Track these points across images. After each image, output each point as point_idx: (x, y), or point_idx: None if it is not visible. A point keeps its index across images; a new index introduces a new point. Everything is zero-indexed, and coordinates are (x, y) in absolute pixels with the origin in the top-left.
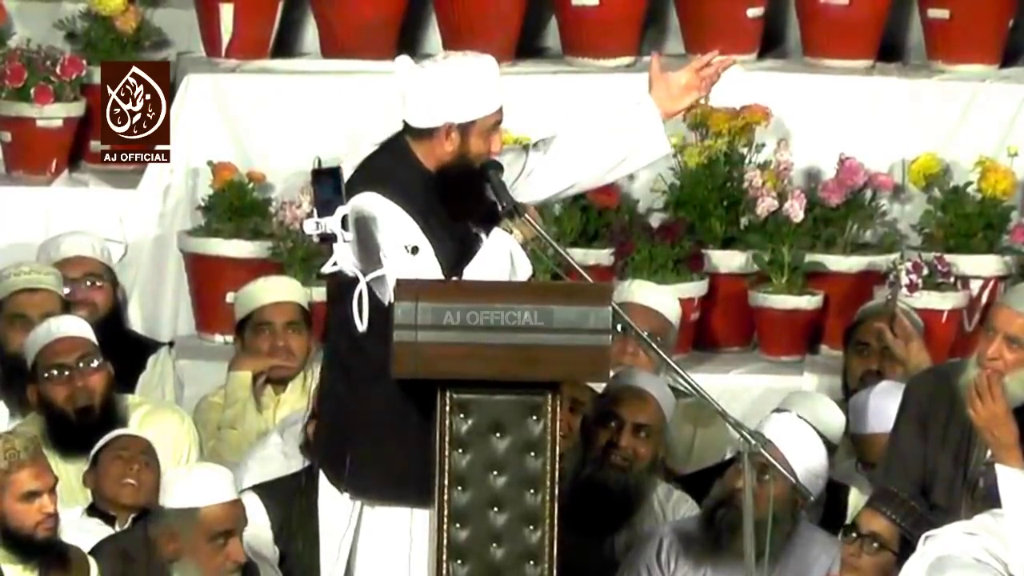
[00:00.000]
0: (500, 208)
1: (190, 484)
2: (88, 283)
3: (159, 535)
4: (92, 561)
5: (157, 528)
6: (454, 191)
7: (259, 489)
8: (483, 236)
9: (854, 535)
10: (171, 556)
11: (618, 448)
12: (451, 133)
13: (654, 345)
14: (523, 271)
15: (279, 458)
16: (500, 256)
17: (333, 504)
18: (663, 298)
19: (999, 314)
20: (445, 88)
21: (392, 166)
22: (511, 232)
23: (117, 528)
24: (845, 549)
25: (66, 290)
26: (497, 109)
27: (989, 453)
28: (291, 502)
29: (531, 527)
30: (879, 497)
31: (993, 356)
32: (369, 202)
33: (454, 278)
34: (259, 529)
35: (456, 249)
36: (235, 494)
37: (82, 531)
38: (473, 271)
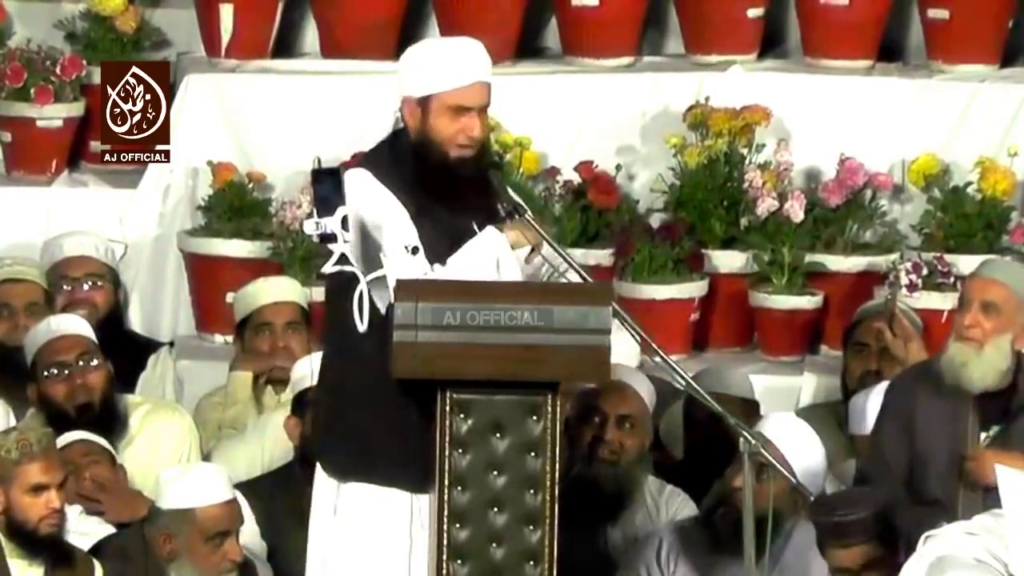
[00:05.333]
0: (500, 207)
1: (186, 485)
2: (89, 283)
3: (156, 536)
4: (96, 563)
5: (154, 528)
6: (442, 183)
7: (241, 487)
8: (477, 230)
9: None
10: (168, 556)
11: (604, 442)
12: (413, 108)
13: (654, 345)
14: (508, 276)
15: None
16: (485, 256)
17: (320, 487)
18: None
19: (972, 284)
20: (409, 63)
21: (388, 144)
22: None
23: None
24: None
25: (67, 289)
26: (460, 88)
27: (984, 439)
28: (274, 497)
29: (531, 527)
30: (836, 534)
31: (971, 324)
32: (354, 178)
33: (436, 265)
34: (245, 525)
35: (445, 236)
36: (231, 493)
37: (80, 531)
38: (453, 266)
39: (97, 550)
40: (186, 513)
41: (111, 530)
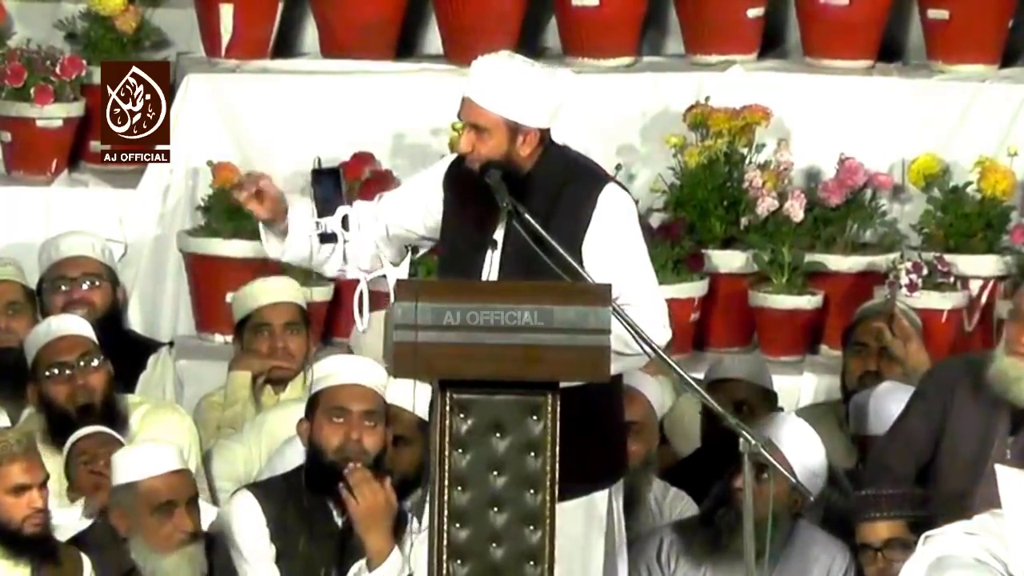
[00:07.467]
0: (500, 207)
1: (130, 459)
2: (87, 283)
3: (115, 515)
4: (84, 559)
5: (112, 509)
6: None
7: (253, 488)
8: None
9: (871, 552)
10: (125, 534)
11: None
12: None
13: (653, 345)
14: None
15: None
16: None
17: None
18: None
19: None
20: None
21: None
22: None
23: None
24: (872, 570)
25: (64, 289)
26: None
27: (1010, 443)
28: (285, 500)
29: (531, 527)
30: (865, 508)
31: None
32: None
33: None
34: (255, 526)
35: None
36: (178, 465)
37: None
38: None
39: (74, 543)
40: (131, 487)
41: None
